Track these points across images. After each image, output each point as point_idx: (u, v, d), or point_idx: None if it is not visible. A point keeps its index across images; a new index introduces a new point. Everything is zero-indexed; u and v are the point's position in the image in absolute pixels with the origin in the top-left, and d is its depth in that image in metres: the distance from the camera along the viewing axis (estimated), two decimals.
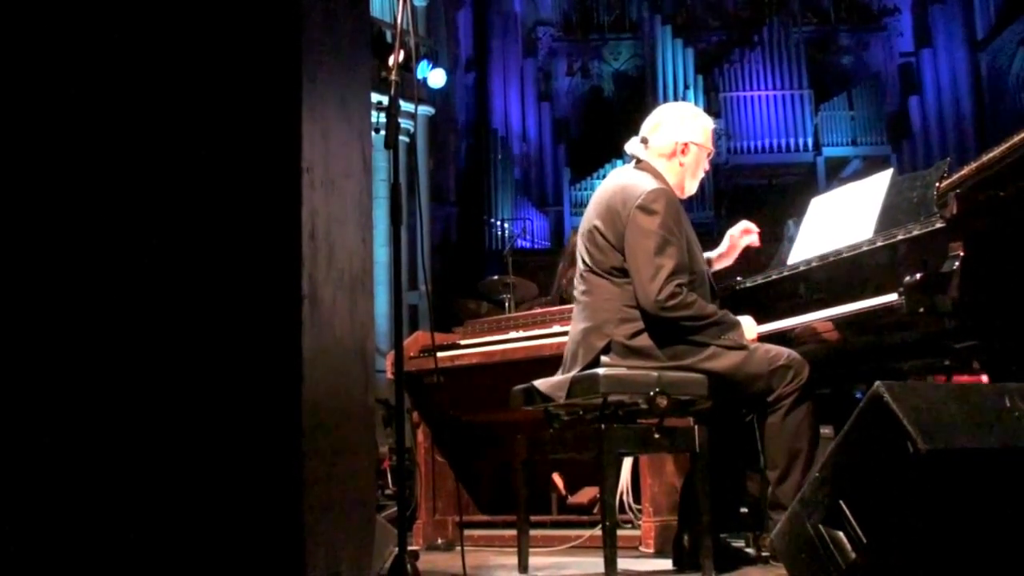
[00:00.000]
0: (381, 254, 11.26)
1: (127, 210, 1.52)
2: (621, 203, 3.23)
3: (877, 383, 2.20)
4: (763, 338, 3.41)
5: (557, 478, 4.73)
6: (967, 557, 2.11)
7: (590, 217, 3.35)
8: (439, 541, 4.57)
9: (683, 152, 3.41)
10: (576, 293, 3.38)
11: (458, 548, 3.82)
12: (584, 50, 24.39)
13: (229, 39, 1.56)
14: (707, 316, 3.16)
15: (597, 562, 3.22)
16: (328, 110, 1.68)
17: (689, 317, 3.14)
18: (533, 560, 3.73)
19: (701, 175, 3.55)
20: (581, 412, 3.20)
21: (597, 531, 3.61)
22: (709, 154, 3.53)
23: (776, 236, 4.32)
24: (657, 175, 3.34)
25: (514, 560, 3.37)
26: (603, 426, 2.95)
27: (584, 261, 3.32)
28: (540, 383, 3.22)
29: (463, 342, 4.68)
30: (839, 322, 3.21)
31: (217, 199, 1.53)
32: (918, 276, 2.89)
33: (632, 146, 3.47)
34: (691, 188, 3.50)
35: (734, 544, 4.11)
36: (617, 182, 3.38)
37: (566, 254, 5.68)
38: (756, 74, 22.75)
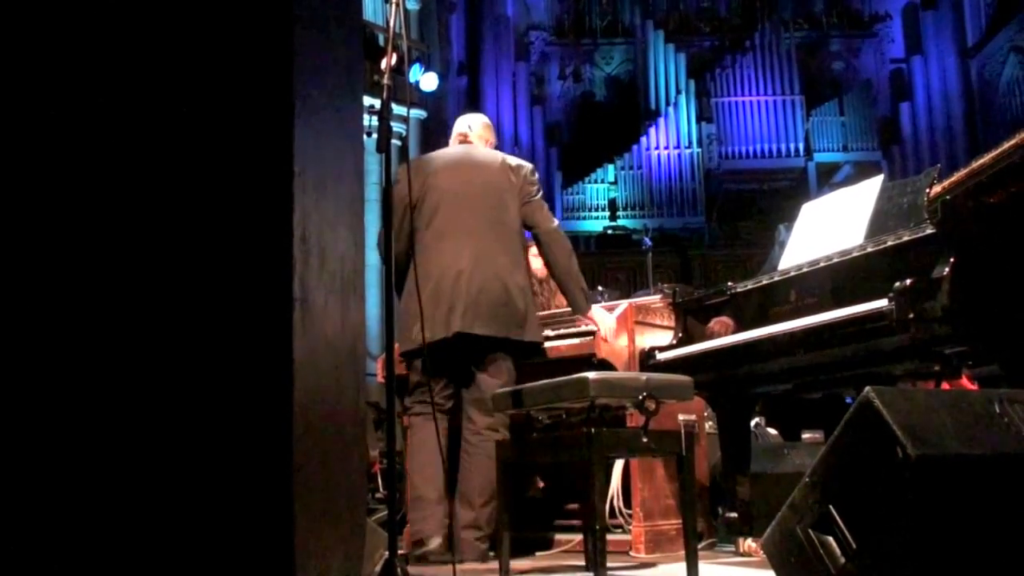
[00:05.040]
0: (372, 257, 11.24)
1: (118, 213, 1.52)
2: (518, 166, 4.30)
3: (867, 389, 2.21)
4: (757, 342, 3.44)
5: (537, 482, 4.73)
6: (956, 563, 2.12)
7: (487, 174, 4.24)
8: None
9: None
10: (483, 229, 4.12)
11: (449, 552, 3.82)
12: (576, 54, 24.40)
13: (221, 42, 1.56)
14: None
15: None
16: (320, 113, 1.68)
17: None
18: (523, 563, 3.73)
19: None
20: (564, 416, 3.21)
21: None
22: None
23: (767, 241, 4.34)
24: None
25: None
26: (592, 430, 2.95)
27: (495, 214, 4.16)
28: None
29: None
30: (829, 327, 3.21)
31: (209, 202, 1.52)
32: (908, 282, 2.90)
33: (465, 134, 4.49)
34: None
35: (724, 548, 4.13)
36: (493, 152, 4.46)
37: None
38: (748, 79, 22.78)
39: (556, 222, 4.32)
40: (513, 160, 4.35)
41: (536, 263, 5.87)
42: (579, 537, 4.03)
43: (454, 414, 4.14)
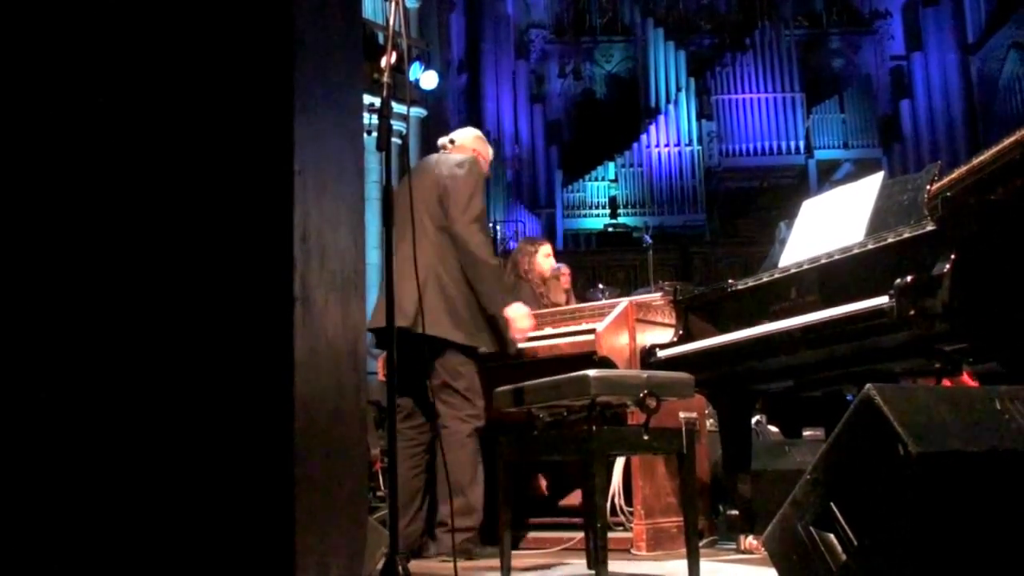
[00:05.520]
0: (373, 256, 11.26)
1: (120, 212, 1.52)
2: (447, 162, 4.28)
3: (868, 386, 2.21)
4: (758, 340, 3.45)
5: (541, 480, 4.74)
6: (957, 560, 2.12)
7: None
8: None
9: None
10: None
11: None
12: (576, 52, 24.41)
13: (221, 42, 1.56)
14: None
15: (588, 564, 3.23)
16: (320, 112, 1.68)
17: None
18: (523, 562, 3.73)
19: None
20: (565, 413, 3.21)
21: None
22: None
23: (767, 239, 4.33)
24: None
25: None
26: (593, 428, 2.95)
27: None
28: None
29: None
30: (830, 324, 3.21)
31: (209, 201, 1.52)
32: (908, 279, 2.90)
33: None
34: None
35: (726, 545, 4.13)
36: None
37: (511, 265, 5.93)
38: (748, 77, 22.79)
39: (464, 219, 4.14)
40: (448, 157, 4.34)
41: (546, 263, 5.93)
42: (580, 535, 4.02)
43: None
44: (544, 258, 6.04)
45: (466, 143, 4.51)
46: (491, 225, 20.35)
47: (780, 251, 3.89)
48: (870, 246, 3.23)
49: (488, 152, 4.59)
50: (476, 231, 4.17)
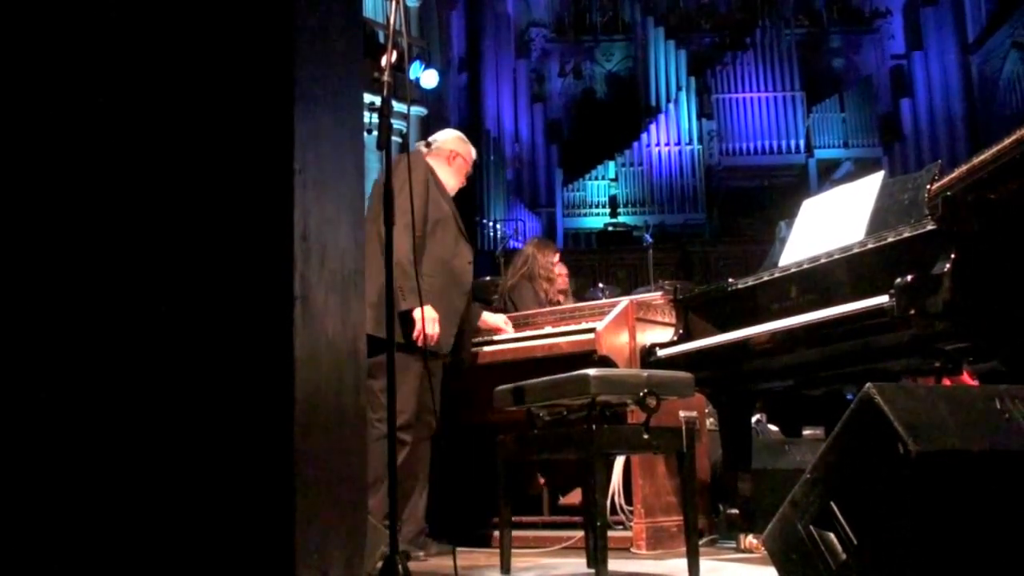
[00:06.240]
0: None
1: (120, 211, 1.52)
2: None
3: (868, 385, 2.21)
4: (758, 339, 3.45)
5: (540, 479, 4.74)
6: (957, 559, 2.12)
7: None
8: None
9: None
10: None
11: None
12: (577, 51, 24.39)
13: (222, 40, 1.56)
14: None
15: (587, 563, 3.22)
16: (320, 111, 1.68)
17: None
18: (523, 562, 3.73)
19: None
20: (565, 412, 3.22)
21: None
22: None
23: (768, 238, 4.33)
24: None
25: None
26: (593, 427, 2.95)
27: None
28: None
29: None
30: (830, 323, 3.21)
31: (209, 200, 1.53)
32: (909, 278, 2.90)
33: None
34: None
35: (726, 544, 4.13)
36: None
37: (519, 263, 5.92)
38: (748, 76, 22.76)
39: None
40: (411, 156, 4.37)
41: (557, 269, 5.96)
42: (580, 534, 4.03)
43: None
44: (558, 265, 6.10)
45: (445, 145, 4.50)
46: (491, 224, 20.37)
47: (780, 250, 3.88)
48: (870, 245, 3.22)
49: (470, 153, 4.58)
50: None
